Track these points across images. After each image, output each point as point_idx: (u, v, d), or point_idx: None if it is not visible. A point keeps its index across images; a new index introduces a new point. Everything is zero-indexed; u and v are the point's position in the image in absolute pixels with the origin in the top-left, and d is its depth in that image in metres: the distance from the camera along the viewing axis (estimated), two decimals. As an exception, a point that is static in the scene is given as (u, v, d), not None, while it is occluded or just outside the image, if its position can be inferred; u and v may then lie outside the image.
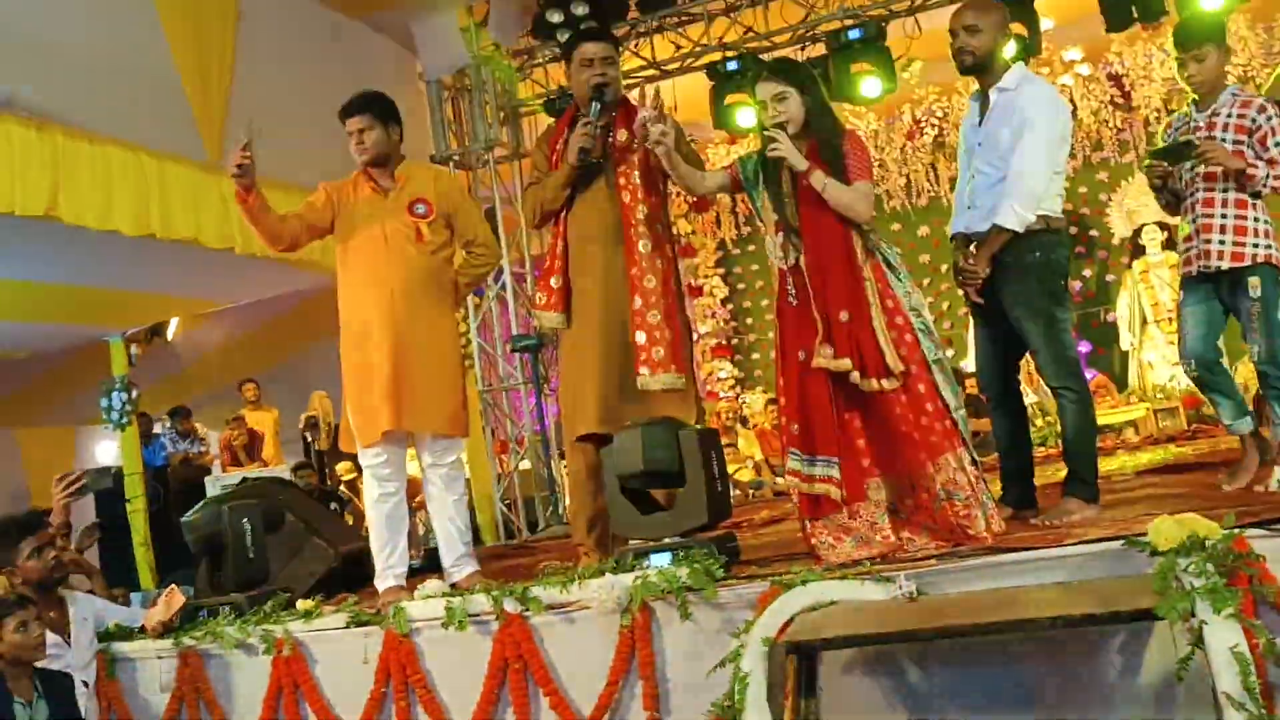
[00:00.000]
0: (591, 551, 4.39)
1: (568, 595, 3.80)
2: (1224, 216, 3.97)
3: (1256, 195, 3.98)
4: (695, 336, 7.02)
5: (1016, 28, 7.04)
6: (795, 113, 3.83)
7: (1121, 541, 3.12)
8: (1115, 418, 9.20)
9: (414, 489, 6.02)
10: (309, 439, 10.19)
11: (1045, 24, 7.80)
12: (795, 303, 3.83)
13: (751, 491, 9.21)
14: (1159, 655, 3.00)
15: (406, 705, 3.96)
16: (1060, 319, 3.97)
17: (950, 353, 11.41)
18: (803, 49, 8.39)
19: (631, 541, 3.96)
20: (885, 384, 3.67)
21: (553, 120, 8.29)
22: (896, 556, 3.60)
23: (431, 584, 4.21)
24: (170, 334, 11.71)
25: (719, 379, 12.46)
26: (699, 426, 4.18)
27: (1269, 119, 3.94)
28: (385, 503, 4.40)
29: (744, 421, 10.58)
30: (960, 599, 3.24)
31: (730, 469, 9.37)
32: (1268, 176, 3.92)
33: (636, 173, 4.39)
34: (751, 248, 12.99)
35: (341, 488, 9.73)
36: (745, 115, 8.39)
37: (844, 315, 3.71)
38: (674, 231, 4.87)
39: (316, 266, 7.20)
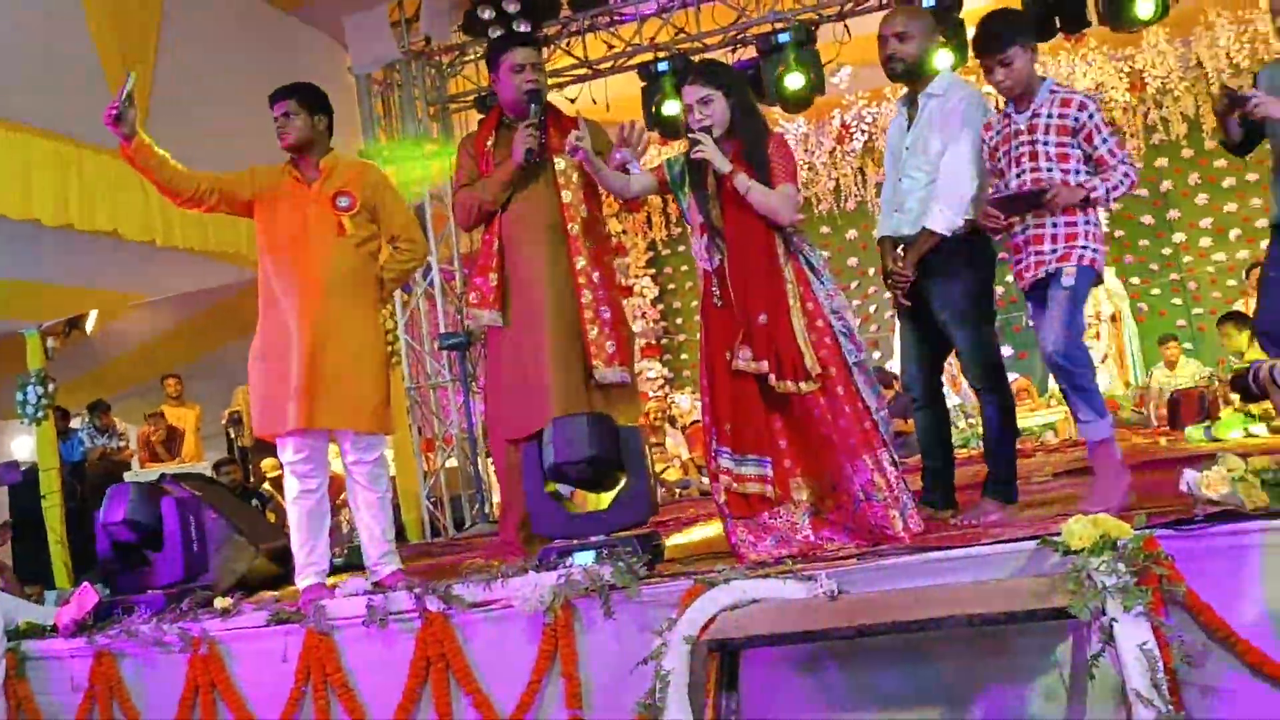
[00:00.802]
0: (517, 550, 4.38)
1: (491, 593, 3.77)
2: (1054, 225, 3.73)
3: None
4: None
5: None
6: (720, 115, 3.83)
7: (1036, 541, 3.17)
8: (1035, 421, 9.39)
9: (338, 486, 5.95)
10: (232, 435, 10.04)
11: (971, 33, 7.90)
12: (720, 304, 3.85)
13: (679, 491, 9.24)
14: (1072, 653, 3.06)
15: (326, 704, 3.89)
16: (985, 322, 4.04)
17: (877, 355, 11.57)
18: (733, 51, 8.44)
19: (556, 540, 3.96)
20: (803, 386, 3.71)
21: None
22: (817, 556, 3.63)
23: (353, 581, 4.16)
24: (89, 327, 11.43)
25: (648, 378, 12.50)
26: (630, 425, 4.19)
27: (1091, 116, 3.73)
28: (306, 500, 4.33)
29: (672, 421, 10.61)
30: (880, 598, 3.27)
31: (658, 468, 9.42)
32: (1107, 193, 3.70)
33: (576, 172, 4.42)
34: (682, 248, 13.04)
35: (266, 485, 9.58)
36: (672, 111, 8.39)
37: (763, 317, 3.74)
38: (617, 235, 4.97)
39: (243, 260, 7.09)
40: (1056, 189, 3.65)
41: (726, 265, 3.82)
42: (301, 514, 4.33)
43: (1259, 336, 3.94)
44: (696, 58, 8.33)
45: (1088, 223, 3.72)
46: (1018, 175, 3.78)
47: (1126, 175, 3.68)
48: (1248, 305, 9.87)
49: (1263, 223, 11.14)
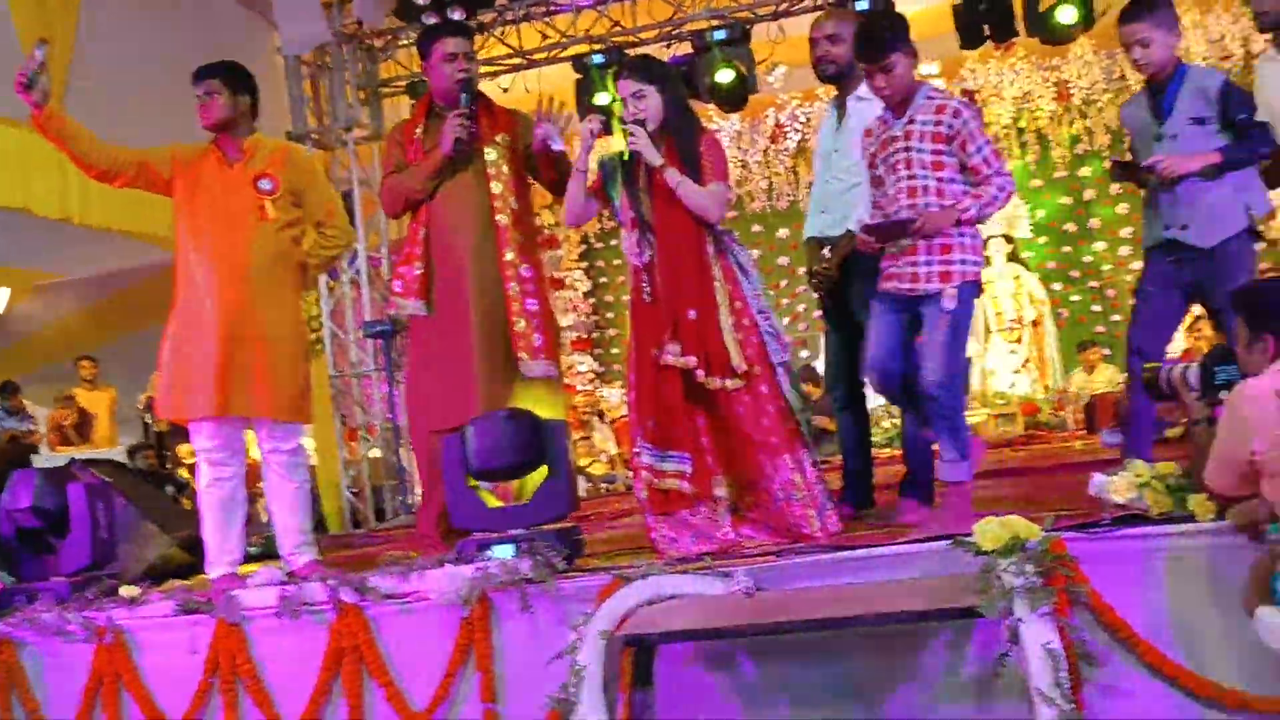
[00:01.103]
0: (436, 543, 4.34)
1: (407, 586, 3.74)
2: (929, 237, 3.59)
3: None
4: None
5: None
6: (654, 110, 3.82)
7: (949, 542, 3.22)
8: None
9: (255, 474, 5.85)
10: (148, 420, 9.81)
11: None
12: (649, 300, 3.85)
13: (604, 486, 9.24)
14: (980, 651, 3.12)
15: (235, 697, 3.83)
16: None
17: (805, 354, 11.66)
18: (668, 46, 8.45)
19: (474, 533, 3.93)
20: (729, 383, 3.73)
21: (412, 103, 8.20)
22: (736, 553, 3.66)
23: (266, 572, 4.10)
24: (0, 306, 11.13)
25: (578, 372, 12.46)
26: (554, 419, 4.18)
27: (965, 122, 3.57)
28: (219, 488, 4.27)
29: (600, 416, 10.61)
30: (796, 595, 3.30)
31: (584, 462, 9.41)
32: (980, 210, 3.56)
33: (506, 164, 4.40)
34: (614, 242, 13.00)
35: (182, 470, 9.40)
36: (604, 103, 8.38)
37: (692, 313, 3.75)
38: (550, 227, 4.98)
39: (167, 243, 6.93)
40: (924, 218, 3.52)
41: (656, 261, 3.83)
42: (214, 502, 4.26)
43: (1130, 355, 3.95)
44: (631, 52, 8.33)
45: (962, 235, 3.59)
46: (895, 183, 3.65)
47: (1002, 189, 3.55)
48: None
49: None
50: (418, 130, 4.49)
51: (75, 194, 6.28)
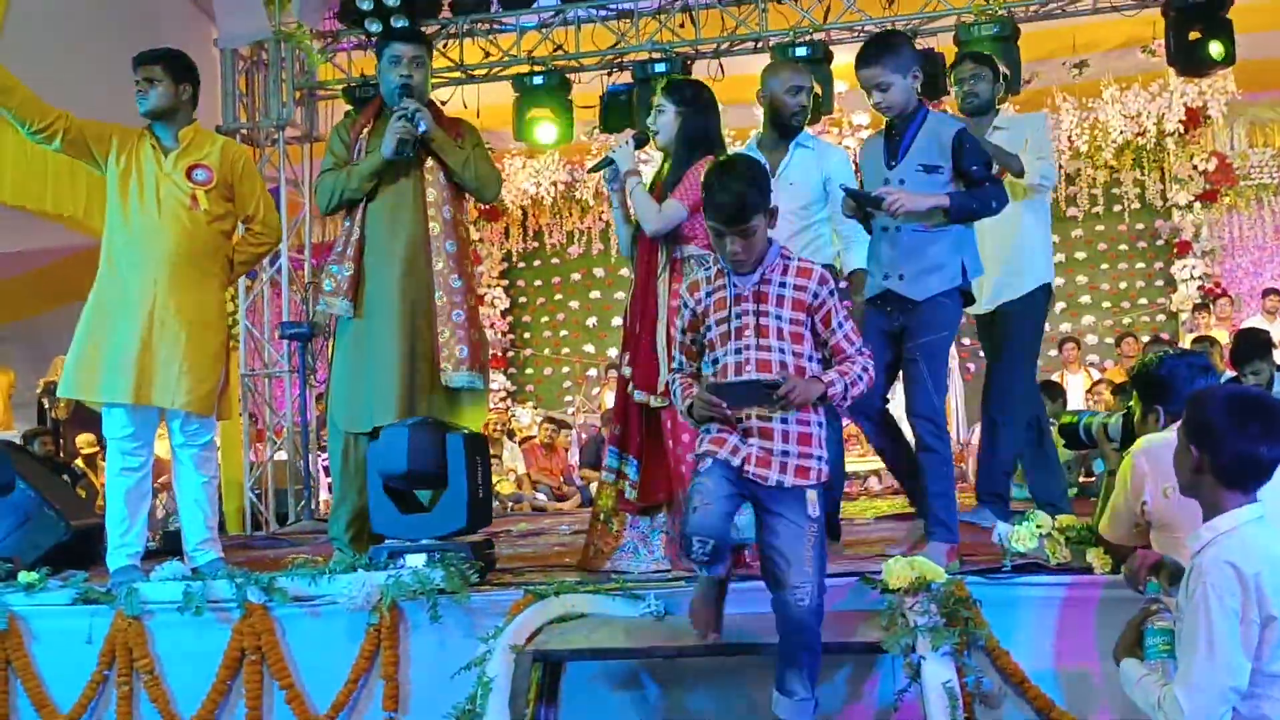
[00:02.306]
0: (345, 547, 4.32)
1: (316, 589, 3.72)
2: (784, 421, 2.92)
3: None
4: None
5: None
6: (668, 126, 4.00)
7: (858, 578, 3.32)
8: (861, 466, 9.72)
9: (158, 469, 5.75)
10: (46, 405, 9.55)
11: (839, 86, 8.20)
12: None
13: (510, 505, 9.23)
14: (881, 686, 3.22)
15: (130, 690, 3.77)
16: None
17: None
18: (609, 75, 8.53)
19: (388, 540, 3.93)
20: (652, 401, 3.85)
21: (351, 108, 8.16)
22: (652, 575, 3.72)
23: (171, 565, 4.04)
24: (-103, 281, 10.76)
25: (492, 389, 12.42)
26: (471, 431, 4.20)
27: (831, 293, 3.01)
28: (128, 478, 4.20)
29: (510, 435, 10.59)
30: (705, 621, 3.36)
31: (492, 480, 9.39)
32: (845, 389, 2.94)
33: (443, 172, 4.43)
34: (537, 262, 13.05)
35: (79, 461, 9.17)
36: (545, 130, 8.45)
37: (637, 327, 3.94)
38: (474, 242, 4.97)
39: (77, 225, 6.79)
40: (793, 384, 2.83)
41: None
42: (121, 492, 4.20)
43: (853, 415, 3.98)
44: (571, 77, 8.42)
45: (820, 425, 2.96)
46: (736, 352, 2.94)
47: (865, 370, 2.96)
48: (1061, 379, 10.47)
49: (1086, 299, 11.88)
50: (365, 130, 4.50)
51: (-19, 169, 6.14)
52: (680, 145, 3.97)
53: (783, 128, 4.34)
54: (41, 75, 6.29)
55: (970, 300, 3.86)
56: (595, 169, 4.18)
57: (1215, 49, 7.39)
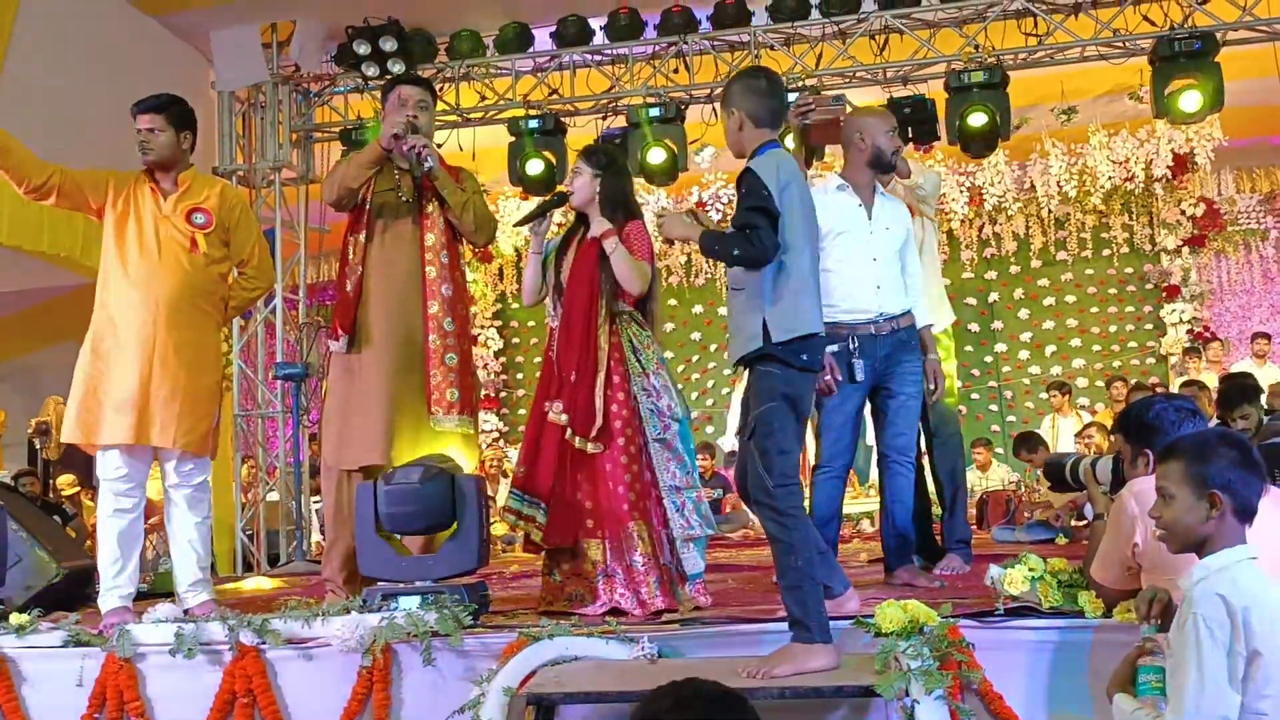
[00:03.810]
0: (339, 589, 4.32)
1: (309, 631, 3.71)
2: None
3: None
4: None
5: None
6: (584, 188, 4.18)
7: (851, 621, 3.33)
8: (854, 509, 9.72)
9: (148, 511, 5.73)
10: (37, 445, 9.53)
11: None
12: (553, 358, 4.18)
13: (504, 546, 9.20)
14: (873, 730, 3.21)
15: (120, 734, 3.75)
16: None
17: (709, 429, 11.83)
18: (604, 119, 8.63)
19: (380, 582, 3.93)
20: (589, 446, 4.00)
21: (346, 149, 8.21)
22: (630, 618, 3.79)
23: (163, 608, 4.02)
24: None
25: (483, 430, 12.45)
26: (473, 474, 4.23)
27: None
28: (120, 519, 4.20)
29: (504, 474, 10.58)
30: (699, 664, 3.37)
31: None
32: None
33: (442, 217, 4.48)
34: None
35: (64, 502, 9.12)
36: (536, 169, 8.48)
37: (573, 375, 4.04)
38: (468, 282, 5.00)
39: (75, 265, 6.82)
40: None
41: (560, 325, 4.15)
42: (113, 533, 4.19)
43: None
44: (567, 120, 8.50)
45: None
46: None
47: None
48: (1052, 423, 10.50)
49: (1076, 342, 11.94)
50: (373, 171, 4.53)
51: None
52: (602, 207, 4.16)
53: (885, 168, 4.48)
54: (41, 117, 6.41)
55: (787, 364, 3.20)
56: (528, 220, 4.30)
57: (1196, 100, 7.51)
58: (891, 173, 4.56)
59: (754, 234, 3.12)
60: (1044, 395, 10.89)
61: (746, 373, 3.29)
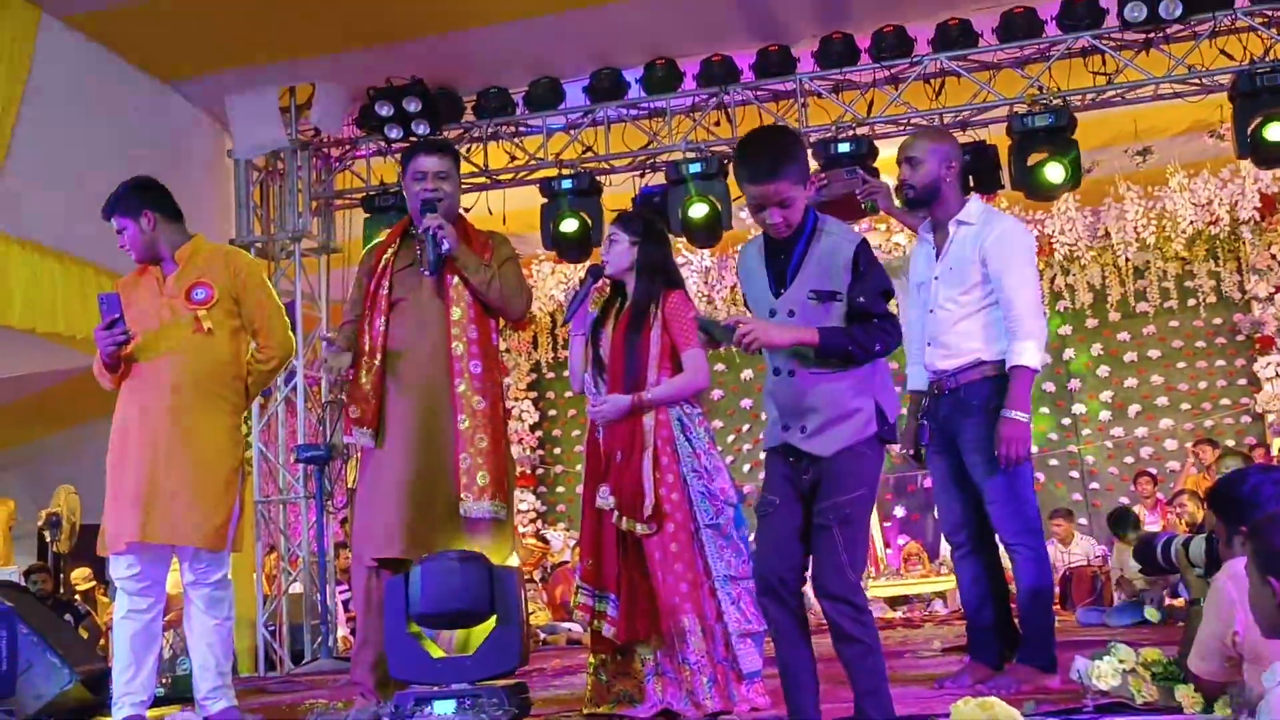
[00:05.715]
0: (370, 693, 4.28)
1: (337, 740, 3.71)
2: None
3: None
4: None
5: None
6: (621, 256, 4.23)
7: (925, 721, 3.28)
8: (924, 588, 9.61)
9: (167, 606, 5.78)
10: (48, 538, 9.63)
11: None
12: (600, 440, 4.18)
13: (544, 636, 9.17)
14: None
15: None
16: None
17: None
18: (641, 176, 8.68)
19: (413, 685, 3.92)
20: (639, 528, 3.97)
21: (369, 216, 8.32)
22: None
23: (183, 715, 4.04)
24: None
25: (520, 510, 12.45)
26: (509, 564, 4.20)
27: None
28: (134, 621, 4.22)
29: (544, 579, 10.56)
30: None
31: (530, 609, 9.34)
32: None
33: (469, 289, 4.41)
34: (566, 373, 13.11)
35: (76, 597, 9.22)
36: (571, 227, 8.47)
37: (619, 456, 4.05)
38: (500, 352, 4.89)
39: (88, 347, 6.93)
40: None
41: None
42: (127, 636, 4.21)
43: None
44: (601, 178, 8.57)
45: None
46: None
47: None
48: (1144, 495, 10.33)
49: (1163, 400, 11.79)
50: (389, 250, 4.48)
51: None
52: (641, 276, 4.20)
53: (909, 204, 4.43)
54: (53, 190, 6.58)
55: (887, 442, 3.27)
56: (570, 312, 4.35)
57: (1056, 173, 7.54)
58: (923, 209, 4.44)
59: (888, 322, 3.13)
60: (1129, 459, 10.71)
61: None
